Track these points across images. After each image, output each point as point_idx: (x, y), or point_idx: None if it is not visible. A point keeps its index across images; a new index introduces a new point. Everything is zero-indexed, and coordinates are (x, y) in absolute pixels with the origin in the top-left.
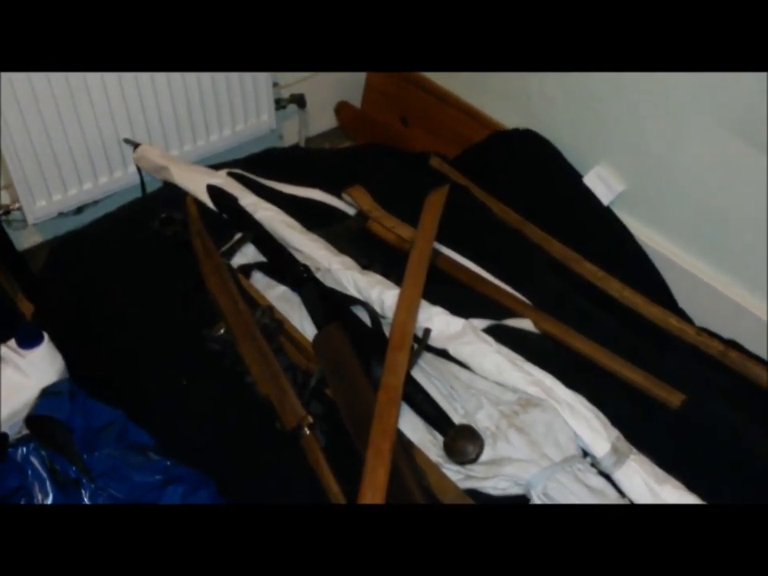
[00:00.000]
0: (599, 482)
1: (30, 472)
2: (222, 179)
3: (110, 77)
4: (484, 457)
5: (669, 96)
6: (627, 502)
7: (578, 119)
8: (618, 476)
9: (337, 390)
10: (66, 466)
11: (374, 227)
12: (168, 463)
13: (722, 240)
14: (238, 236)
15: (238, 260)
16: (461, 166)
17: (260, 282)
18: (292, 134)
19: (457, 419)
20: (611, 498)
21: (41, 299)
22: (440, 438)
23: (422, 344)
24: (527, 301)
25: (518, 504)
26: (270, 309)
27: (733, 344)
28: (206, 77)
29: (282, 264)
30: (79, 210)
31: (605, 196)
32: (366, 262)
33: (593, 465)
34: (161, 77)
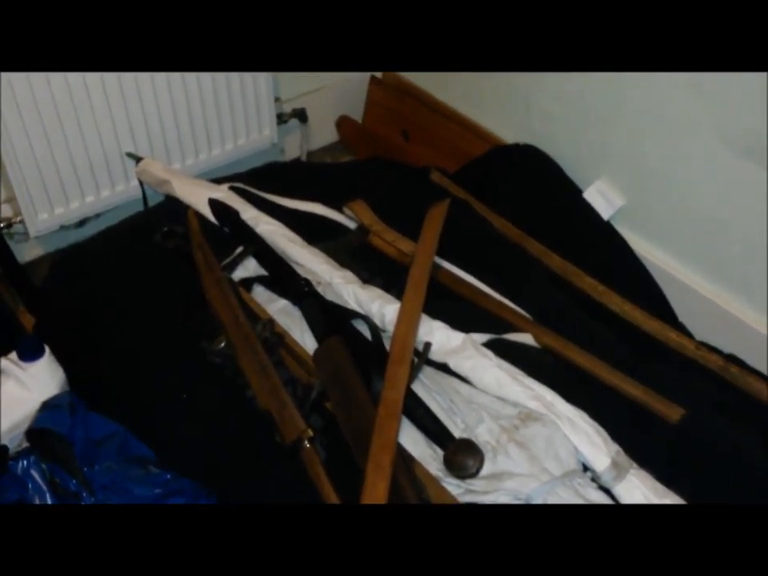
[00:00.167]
0: (599, 497)
1: (30, 485)
2: (223, 193)
3: (113, 90)
4: (484, 471)
5: (668, 111)
6: None
7: (578, 134)
8: (619, 490)
9: (337, 404)
10: (66, 479)
11: (374, 241)
12: (168, 476)
13: (721, 254)
14: (240, 249)
15: (239, 273)
16: (461, 180)
17: (261, 295)
18: (293, 148)
19: (457, 433)
20: None
21: (42, 312)
22: (440, 452)
23: (422, 358)
24: (527, 315)
25: (514, 505)
26: (271, 322)
27: (733, 358)
28: (208, 91)
29: (283, 278)
30: (81, 223)
31: (605, 211)
32: (367, 276)
33: (593, 479)
34: (163, 90)
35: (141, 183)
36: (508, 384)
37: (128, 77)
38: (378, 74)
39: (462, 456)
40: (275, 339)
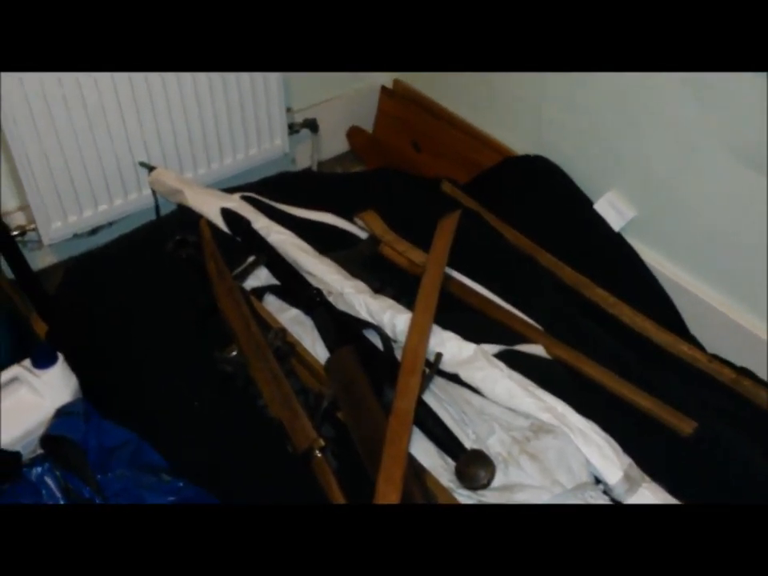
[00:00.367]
0: None
1: (44, 491)
2: (235, 202)
3: (127, 100)
4: (495, 482)
5: (679, 123)
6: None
7: (589, 146)
8: (630, 503)
9: (348, 414)
10: (79, 486)
11: (385, 251)
12: (181, 484)
13: (732, 266)
14: (251, 259)
15: (250, 282)
16: (472, 191)
17: (273, 304)
18: (304, 158)
19: (468, 444)
20: None
21: (55, 319)
22: (451, 463)
23: (433, 368)
24: (538, 326)
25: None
26: (283, 331)
27: (745, 371)
28: (221, 101)
29: (295, 287)
30: (94, 232)
31: (616, 222)
32: (378, 286)
33: (605, 492)
34: (176, 100)
35: (153, 192)
36: (519, 395)
37: (141, 87)
38: (389, 85)
39: (474, 467)
40: (287, 348)
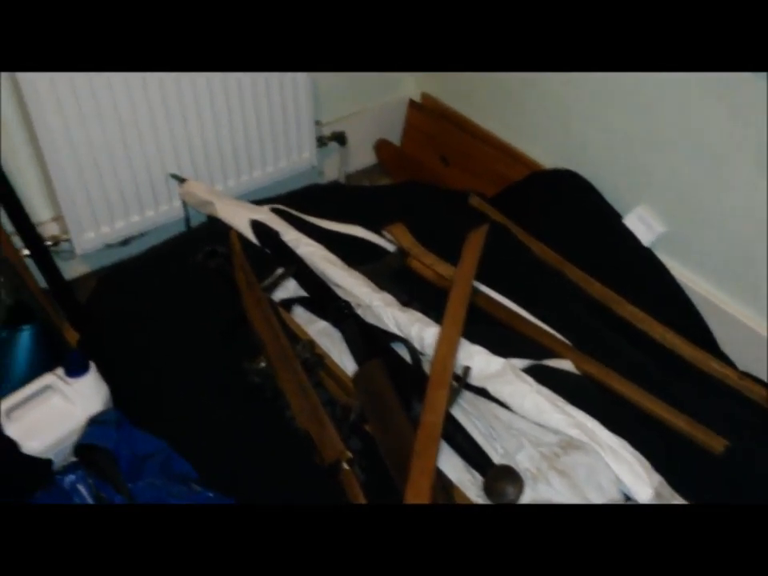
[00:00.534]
0: None
1: (76, 499)
2: (264, 214)
3: (159, 113)
4: (524, 498)
5: (709, 138)
6: None
7: (618, 160)
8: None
9: (376, 427)
10: (111, 494)
11: (413, 264)
12: (210, 494)
13: (763, 282)
14: (280, 271)
15: (279, 294)
16: (500, 205)
17: (301, 316)
18: (332, 170)
19: (496, 459)
20: None
21: (86, 328)
22: (479, 478)
23: (461, 382)
24: (567, 341)
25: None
26: (311, 343)
27: None
28: (251, 114)
29: (323, 299)
30: (125, 242)
31: (645, 237)
32: (406, 299)
33: None
34: (207, 113)
35: (184, 204)
36: (548, 411)
37: (174, 99)
38: (417, 99)
39: (502, 482)
40: (315, 360)
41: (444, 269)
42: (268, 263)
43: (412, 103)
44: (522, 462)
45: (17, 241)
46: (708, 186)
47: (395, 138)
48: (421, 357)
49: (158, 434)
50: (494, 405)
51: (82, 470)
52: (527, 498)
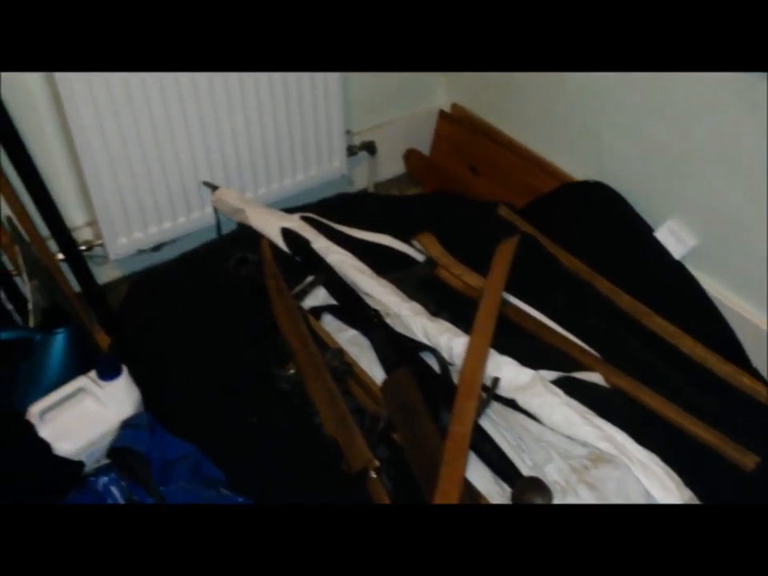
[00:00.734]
0: None
1: (109, 501)
2: (295, 222)
3: (193, 121)
4: None
5: (742, 151)
6: None
7: (650, 173)
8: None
9: (404, 436)
10: (143, 497)
11: (442, 274)
12: (240, 500)
13: None
14: (310, 278)
15: (309, 302)
16: (529, 215)
17: (330, 324)
18: (361, 179)
19: (525, 471)
20: None
21: (118, 333)
22: (507, 489)
23: (490, 393)
24: (596, 353)
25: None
26: (340, 351)
27: None
28: (283, 123)
29: (353, 308)
30: (157, 248)
31: (677, 250)
32: (435, 309)
33: None
34: (240, 122)
35: (215, 211)
36: (578, 423)
37: (208, 107)
38: (447, 109)
39: (530, 494)
40: (344, 368)
41: (472, 279)
42: (298, 271)
43: (442, 113)
44: (551, 474)
45: (52, 245)
46: (741, 200)
47: (425, 147)
48: (449, 367)
49: (188, 438)
50: (522, 416)
51: (115, 473)
52: None
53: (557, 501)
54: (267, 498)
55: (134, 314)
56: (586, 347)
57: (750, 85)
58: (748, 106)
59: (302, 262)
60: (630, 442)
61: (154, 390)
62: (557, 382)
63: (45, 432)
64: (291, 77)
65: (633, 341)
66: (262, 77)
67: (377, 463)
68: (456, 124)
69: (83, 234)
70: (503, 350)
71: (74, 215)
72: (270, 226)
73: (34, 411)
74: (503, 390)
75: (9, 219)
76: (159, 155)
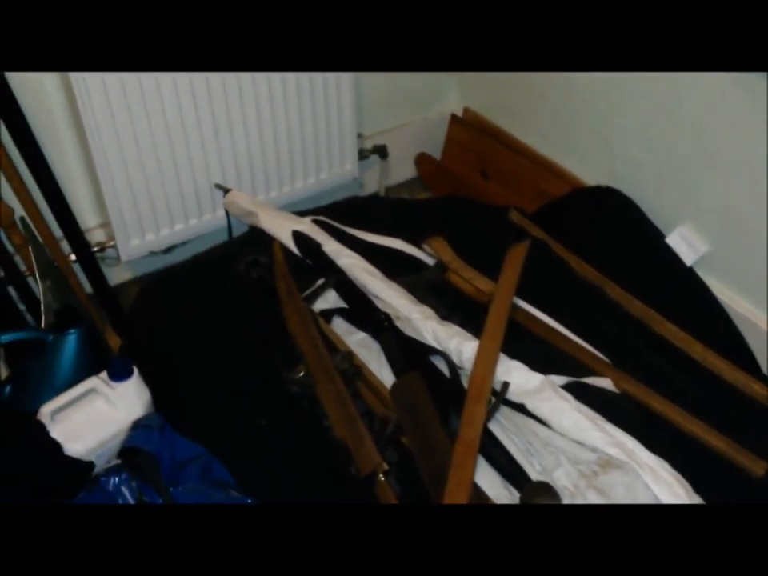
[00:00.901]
0: None
1: (119, 501)
2: (306, 225)
3: (207, 125)
4: None
5: (754, 157)
6: None
7: (661, 179)
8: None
9: (413, 439)
10: (153, 498)
11: (452, 278)
12: (249, 501)
13: None
14: (321, 281)
15: (319, 305)
16: (540, 220)
17: (340, 327)
18: (372, 183)
19: (534, 476)
20: None
21: (129, 334)
22: (516, 494)
23: (499, 397)
24: (606, 359)
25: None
26: (350, 354)
27: None
28: (295, 126)
29: (363, 311)
30: (168, 250)
31: (688, 256)
32: (445, 313)
33: None
34: (253, 125)
35: (227, 213)
36: (587, 429)
37: (222, 110)
38: (459, 113)
39: (539, 499)
40: (353, 371)
41: (483, 283)
42: (309, 274)
43: (454, 118)
44: (560, 479)
45: (65, 246)
46: (753, 206)
47: (436, 152)
48: (459, 371)
49: (197, 439)
50: (532, 421)
51: (125, 473)
52: None
53: None
54: (276, 500)
55: (145, 316)
56: (596, 352)
57: (763, 91)
58: (761, 112)
59: (312, 264)
60: (640, 447)
61: (165, 391)
62: (567, 387)
63: (56, 432)
64: (304, 80)
65: (643, 347)
66: (275, 81)
67: (385, 466)
68: (468, 128)
69: (96, 236)
70: (513, 355)
71: (86, 217)
72: (282, 228)
73: (45, 411)
74: (513, 395)
75: (23, 220)
76: (172, 158)
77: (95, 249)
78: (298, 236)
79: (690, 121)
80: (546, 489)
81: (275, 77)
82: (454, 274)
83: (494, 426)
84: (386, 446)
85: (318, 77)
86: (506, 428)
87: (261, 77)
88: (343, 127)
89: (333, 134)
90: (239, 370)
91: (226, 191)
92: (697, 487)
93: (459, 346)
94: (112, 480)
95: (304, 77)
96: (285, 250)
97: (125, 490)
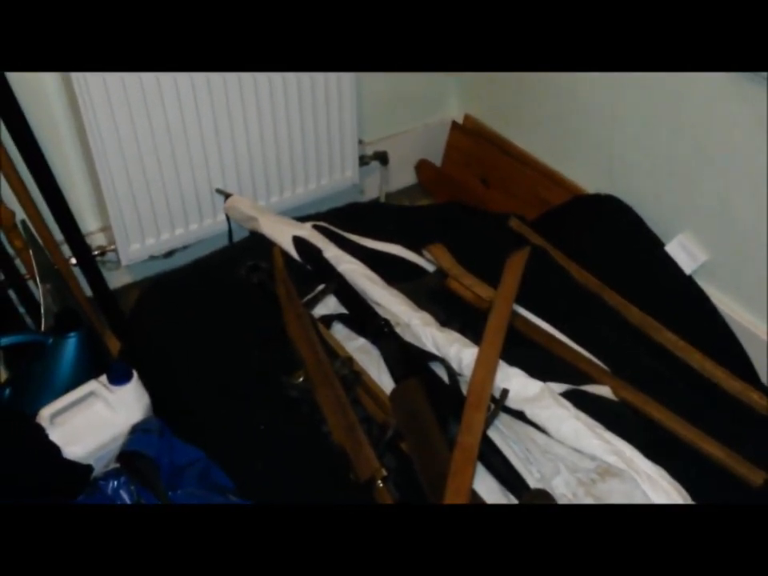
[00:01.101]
0: None
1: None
2: (307, 231)
3: (208, 129)
4: None
5: (755, 165)
6: None
7: (661, 187)
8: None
9: (412, 445)
10: (151, 502)
11: (452, 285)
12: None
13: None
14: (321, 287)
15: (319, 310)
16: (540, 228)
17: (340, 332)
18: (372, 189)
19: (532, 483)
20: None
21: (129, 338)
22: (514, 501)
23: (498, 404)
24: (605, 367)
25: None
26: (350, 360)
27: None
28: (296, 132)
29: (363, 317)
30: (169, 254)
31: (687, 265)
32: (445, 319)
33: None
34: (255, 130)
35: (227, 218)
36: (586, 436)
37: (223, 115)
38: (460, 120)
39: None
40: (353, 377)
41: (483, 290)
42: (309, 279)
43: (454, 124)
44: (558, 487)
45: (65, 249)
46: (753, 215)
47: (436, 158)
48: (458, 377)
49: (196, 443)
50: (531, 428)
51: (124, 477)
52: None
53: None
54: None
55: (144, 320)
56: (596, 360)
57: (763, 99)
58: (761, 120)
59: (313, 270)
60: (639, 456)
61: (164, 394)
62: (566, 395)
63: (55, 435)
64: (306, 86)
65: (642, 354)
66: (277, 86)
67: (384, 472)
68: (468, 135)
69: (96, 239)
70: (512, 362)
71: (87, 220)
72: (282, 234)
73: (44, 414)
74: (512, 402)
75: (24, 223)
76: (173, 162)
77: (95, 252)
78: (298, 241)
79: (689, 129)
80: (544, 496)
81: (277, 83)
82: (453, 280)
83: (492, 433)
84: (385, 451)
85: (320, 83)
86: (505, 435)
87: (262, 83)
88: (344, 133)
89: (334, 139)
90: (239, 374)
91: (227, 196)
92: (695, 496)
93: (459, 353)
94: (111, 483)
95: (306, 83)
96: (285, 255)
97: (123, 494)
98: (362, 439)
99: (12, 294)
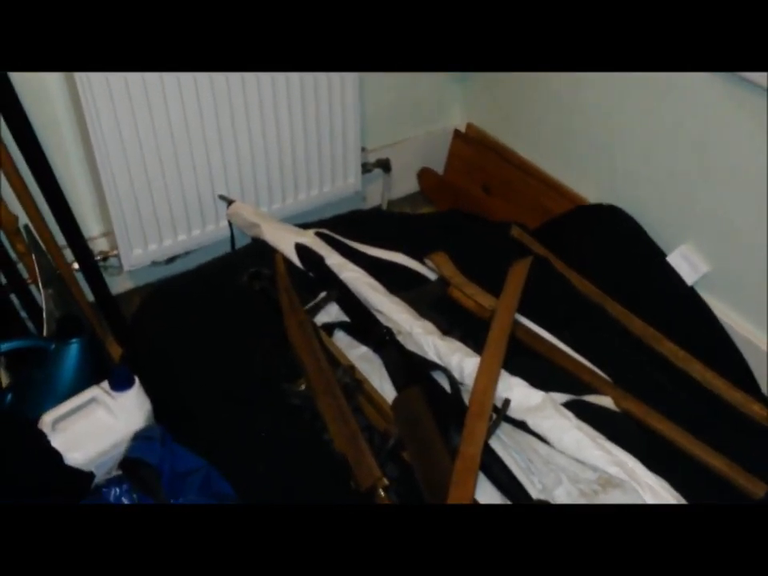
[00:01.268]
0: None
1: None
2: (309, 238)
3: (212, 136)
4: None
5: (757, 176)
6: None
7: (664, 197)
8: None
9: (414, 454)
10: None
11: (454, 293)
12: None
13: None
14: (323, 294)
15: (321, 318)
16: (542, 237)
17: (342, 340)
18: (374, 196)
19: (534, 494)
20: None
21: (130, 343)
22: None
23: (500, 414)
24: (607, 377)
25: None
26: (351, 368)
27: None
28: (300, 139)
29: (365, 325)
30: (171, 260)
31: (689, 276)
32: (446, 328)
33: None
34: (258, 137)
35: (230, 224)
36: (588, 447)
37: (226, 122)
38: (462, 128)
39: None
40: (355, 385)
41: (485, 299)
42: (311, 287)
43: (457, 133)
44: (560, 497)
45: (68, 254)
46: (755, 226)
47: (439, 166)
48: (460, 387)
49: (198, 449)
50: (533, 438)
51: (126, 484)
52: None
53: None
54: None
55: (146, 326)
56: (597, 370)
57: (764, 109)
58: (762, 132)
59: (315, 277)
60: (640, 466)
61: (166, 400)
62: (568, 405)
63: (56, 441)
64: (309, 92)
65: (644, 365)
66: (281, 93)
67: (386, 481)
68: (470, 144)
69: (99, 245)
70: (514, 371)
71: (90, 225)
72: (284, 241)
73: (46, 420)
74: (514, 412)
75: (26, 228)
76: (176, 167)
77: (98, 258)
78: (300, 249)
79: (691, 141)
80: None
81: (281, 89)
82: (455, 289)
83: (494, 443)
84: (387, 460)
85: (324, 90)
86: (506, 445)
87: (266, 89)
88: (347, 140)
89: (337, 146)
90: (240, 380)
91: (230, 202)
92: None
93: (461, 362)
94: (113, 491)
95: (309, 90)
96: (287, 262)
97: (125, 501)
98: (363, 448)
99: (14, 298)
